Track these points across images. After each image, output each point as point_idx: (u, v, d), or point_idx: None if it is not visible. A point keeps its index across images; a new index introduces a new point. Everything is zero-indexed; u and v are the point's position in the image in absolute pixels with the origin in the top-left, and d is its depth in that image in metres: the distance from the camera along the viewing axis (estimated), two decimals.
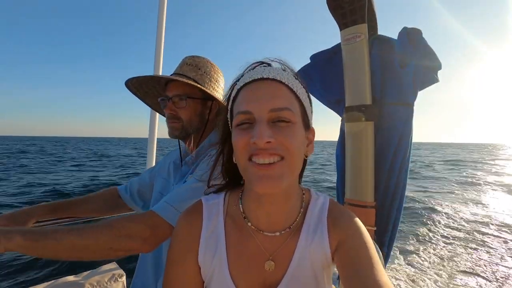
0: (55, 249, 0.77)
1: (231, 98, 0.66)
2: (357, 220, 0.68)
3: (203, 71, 1.21)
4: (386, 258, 1.16)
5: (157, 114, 2.33)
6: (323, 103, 1.40)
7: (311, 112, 0.69)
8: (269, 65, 0.67)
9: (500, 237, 7.18)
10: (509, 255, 6.12)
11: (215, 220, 0.72)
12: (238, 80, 0.66)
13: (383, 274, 0.55)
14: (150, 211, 0.92)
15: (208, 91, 1.11)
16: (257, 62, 0.68)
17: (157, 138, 2.49)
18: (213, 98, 1.19)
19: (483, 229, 7.77)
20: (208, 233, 0.70)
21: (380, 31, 1.24)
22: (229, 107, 0.67)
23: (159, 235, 0.88)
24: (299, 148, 0.61)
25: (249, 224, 0.69)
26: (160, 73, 2.47)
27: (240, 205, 0.72)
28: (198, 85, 1.12)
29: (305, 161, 0.70)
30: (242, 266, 0.67)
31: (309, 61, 1.42)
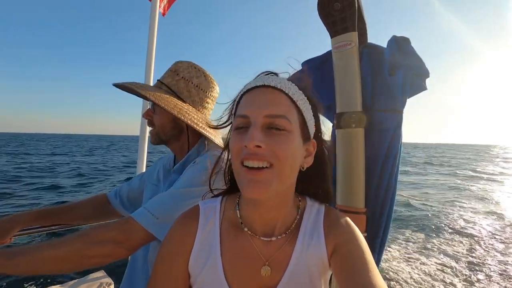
0: (30, 264, 0.76)
1: (236, 102, 0.69)
2: (353, 225, 0.70)
3: (181, 76, 1.19)
4: (377, 263, 1.16)
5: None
6: None
7: (316, 125, 0.71)
8: (276, 74, 0.70)
9: None
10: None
11: (211, 224, 0.72)
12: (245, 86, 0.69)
13: (379, 277, 0.56)
14: (128, 217, 0.92)
15: (160, 103, 1.05)
16: (266, 72, 0.71)
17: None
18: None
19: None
20: (202, 236, 0.71)
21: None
22: (233, 110, 0.70)
23: (134, 240, 0.88)
24: (292, 157, 0.61)
25: (246, 229, 0.69)
26: (151, 77, 2.45)
27: (237, 210, 0.72)
28: (146, 94, 1.05)
29: (304, 173, 0.71)
30: (238, 271, 0.67)
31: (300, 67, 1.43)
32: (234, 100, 0.71)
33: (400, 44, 1.10)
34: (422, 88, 1.09)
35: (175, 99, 1.14)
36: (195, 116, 1.14)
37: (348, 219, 0.72)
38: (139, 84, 1.17)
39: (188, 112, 1.12)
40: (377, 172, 1.13)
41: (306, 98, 0.67)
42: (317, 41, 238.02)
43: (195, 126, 1.09)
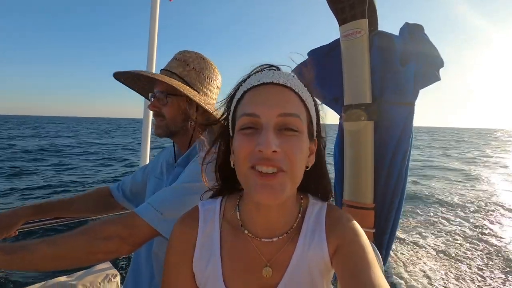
0: (32, 260, 0.75)
1: (235, 99, 0.65)
2: (355, 223, 0.67)
3: (192, 67, 1.14)
4: (384, 259, 1.14)
5: (151, 111, 2.32)
6: (319, 100, 1.36)
7: (318, 122, 0.68)
8: (278, 68, 0.66)
9: None
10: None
11: (211, 226, 0.71)
12: (244, 81, 0.65)
13: (381, 277, 0.55)
14: (132, 212, 0.91)
15: (185, 92, 1.03)
16: (266, 65, 0.67)
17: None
18: (194, 96, 1.10)
19: None
20: (203, 238, 0.70)
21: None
22: (232, 108, 0.66)
23: (138, 236, 0.87)
24: (302, 159, 0.59)
25: (246, 231, 0.68)
26: (154, 65, 2.41)
27: (237, 212, 0.71)
28: (173, 83, 1.03)
29: (307, 172, 0.68)
30: (238, 273, 0.66)
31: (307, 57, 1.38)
32: (233, 96, 0.67)
33: (412, 32, 1.04)
34: (436, 78, 1.04)
35: (192, 89, 1.11)
36: (212, 108, 1.11)
37: (351, 217, 0.69)
38: (152, 73, 1.13)
39: (206, 103, 1.10)
40: (386, 167, 1.09)
41: (310, 95, 0.64)
42: (317, 28, 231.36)
43: (217, 118, 1.07)
